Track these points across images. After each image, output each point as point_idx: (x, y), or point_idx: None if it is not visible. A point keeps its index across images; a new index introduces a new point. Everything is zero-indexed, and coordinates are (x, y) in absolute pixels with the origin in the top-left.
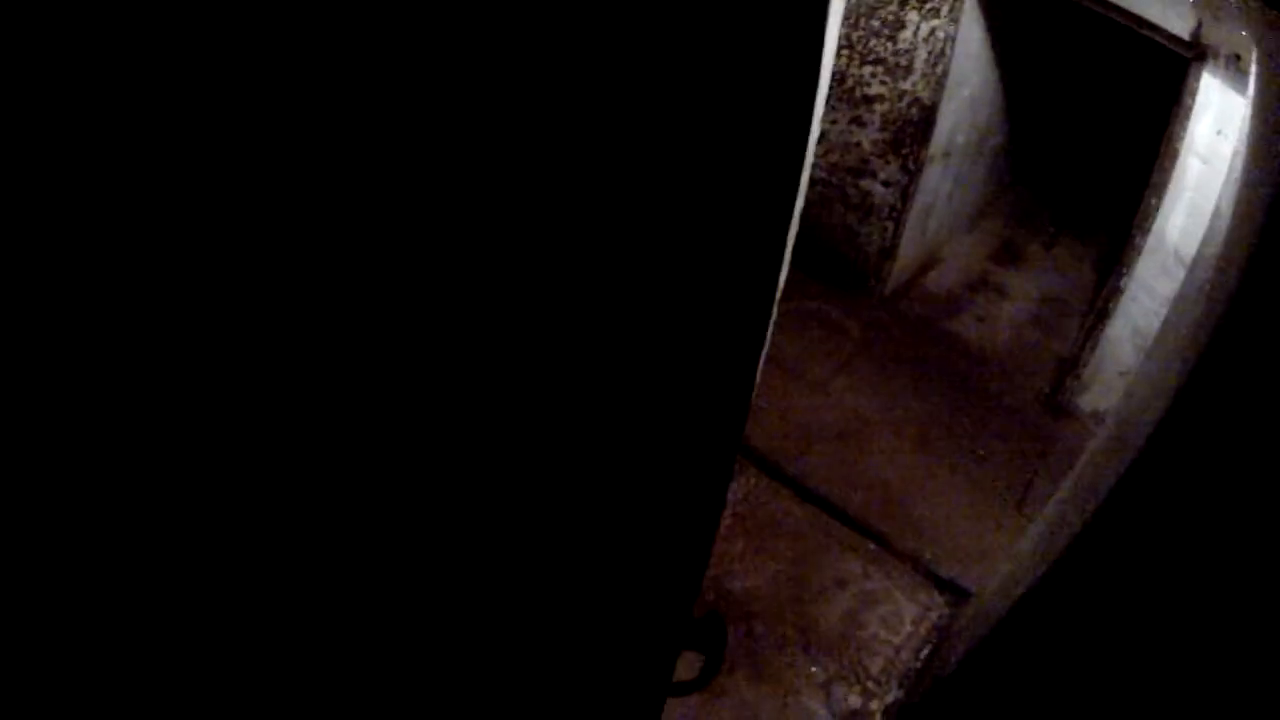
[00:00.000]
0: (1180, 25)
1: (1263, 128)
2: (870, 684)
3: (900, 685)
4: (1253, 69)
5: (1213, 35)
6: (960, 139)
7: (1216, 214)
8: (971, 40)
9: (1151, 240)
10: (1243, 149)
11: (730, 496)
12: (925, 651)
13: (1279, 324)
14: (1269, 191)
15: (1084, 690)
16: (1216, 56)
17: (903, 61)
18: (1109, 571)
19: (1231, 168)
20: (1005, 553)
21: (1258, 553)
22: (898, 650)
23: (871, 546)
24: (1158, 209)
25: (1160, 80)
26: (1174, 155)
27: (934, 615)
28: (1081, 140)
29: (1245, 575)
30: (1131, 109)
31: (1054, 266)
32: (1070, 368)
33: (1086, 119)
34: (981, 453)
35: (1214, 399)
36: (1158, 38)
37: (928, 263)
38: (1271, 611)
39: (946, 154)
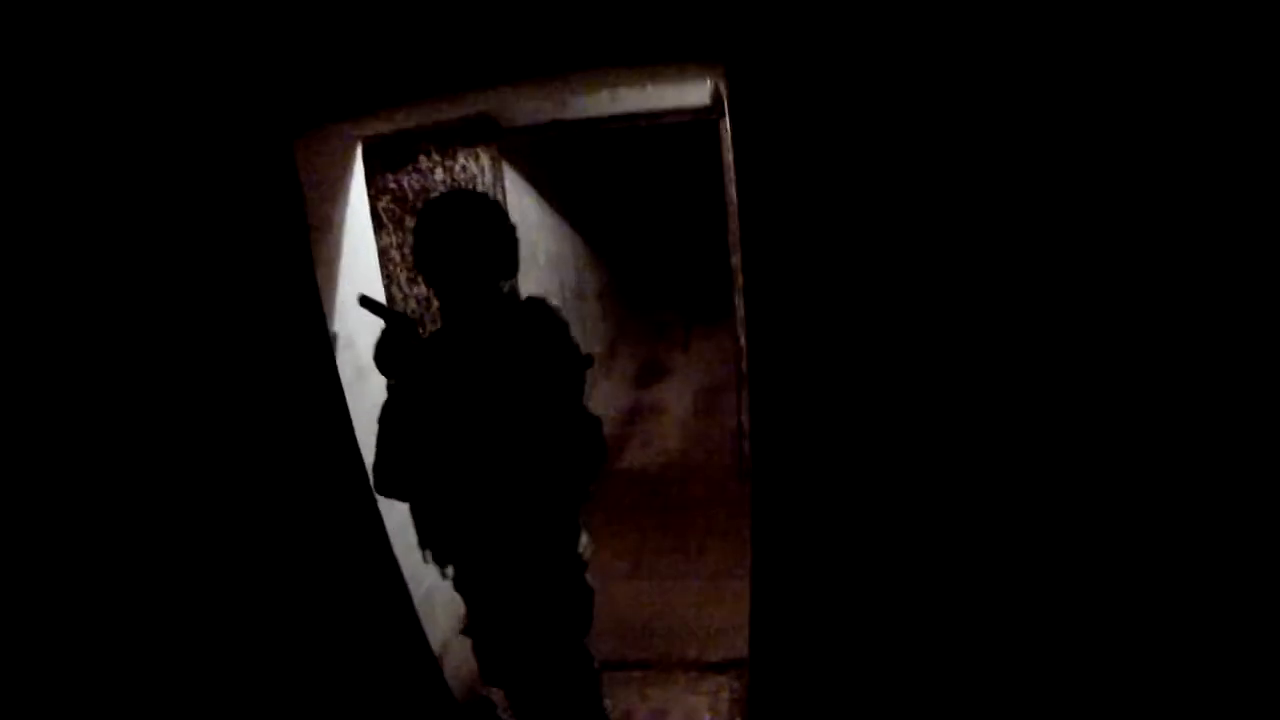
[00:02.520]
0: (699, 96)
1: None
2: None
3: None
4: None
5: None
6: (555, 300)
7: None
8: (528, 212)
9: None
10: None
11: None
12: None
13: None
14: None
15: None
16: None
17: None
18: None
19: None
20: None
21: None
22: None
23: (637, 674)
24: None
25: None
26: (731, 204)
27: (725, 694)
28: (679, 240)
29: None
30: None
31: (697, 363)
32: (742, 434)
33: (669, 220)
34: (694, 545)
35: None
36: (683, 118)
37: None
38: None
39: None
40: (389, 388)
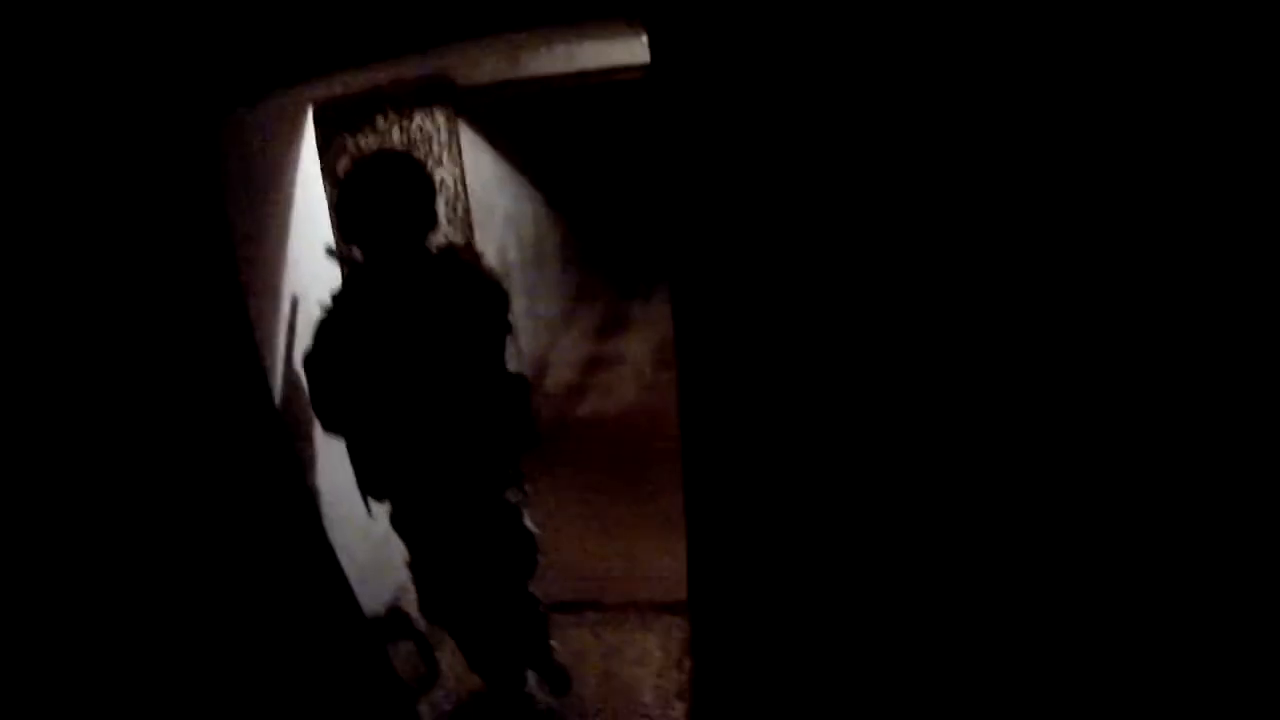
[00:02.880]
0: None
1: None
2: (653, 712)
3: (680, 698)
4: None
5: None
6: (513, 255)
7: None
8: (484, 169)
9: None
10: None
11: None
12: (686, 664)
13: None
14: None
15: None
16: None
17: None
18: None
19: None
20: None
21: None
22: (660, 674)
23: (591, 615)
24: None
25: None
26: None
27: (676, 634)
28: (637, 199)
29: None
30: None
31: (657, 317)
32: None
33: (630, 180)
34: (650, 490)
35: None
36: (634, 76)
37: (538, 374)
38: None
39: (505, 275)
40: (314, 331)
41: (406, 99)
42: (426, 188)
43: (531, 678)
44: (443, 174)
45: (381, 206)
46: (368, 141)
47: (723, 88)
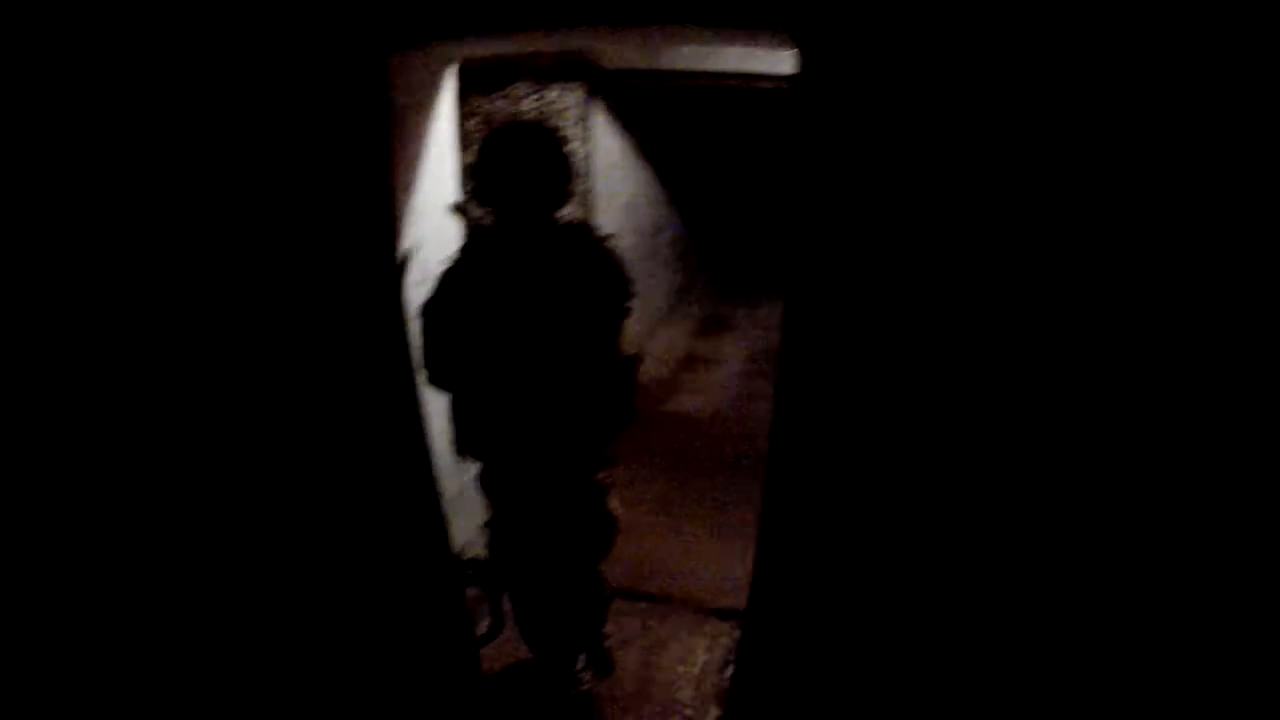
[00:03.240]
0: (789, 65)
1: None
2: (688, 711)
3: (718, 704)
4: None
5: None
6: (627, 242)
7: None
8: (611, 153)
9: None
10: None
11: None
12: (729, 670)
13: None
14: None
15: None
16: None
17: None
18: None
19: None
20: None
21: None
22: (701, 677)
23: (643, 605)
24: None
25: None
26: None
27: (724, 640)
28: (756, 205)
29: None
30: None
31: (759, 325)
32: None
33: (752, 184)
34: (722, 498)
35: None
36: (770, 85)
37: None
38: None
39: None
40: (435, 286)
41: (544, 72)
42: (567, 165)
43: (580, 656)
44: (570, 151)
45: (524, 175)
46: (502, 107)
47: (870, 103)
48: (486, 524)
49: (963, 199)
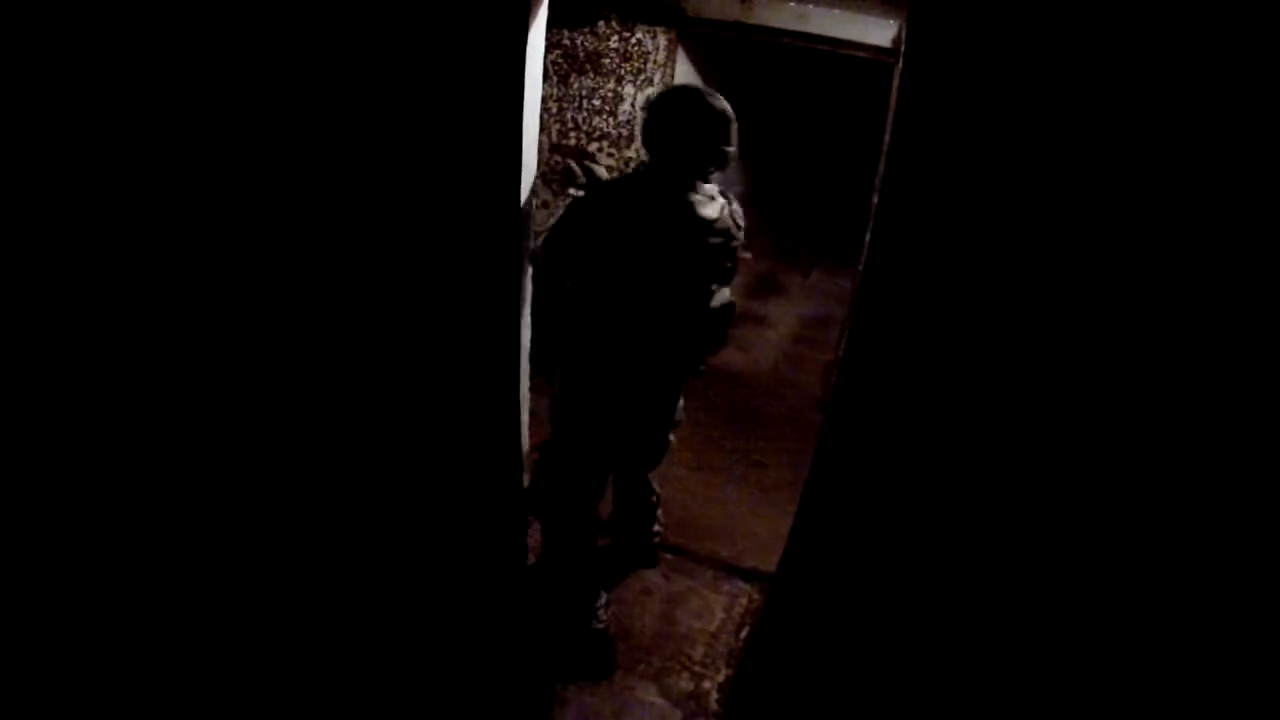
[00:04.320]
0: (882, 35)
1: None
2: (697, 668)
3: (729, 664)
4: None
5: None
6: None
7: None
8: None
9: None
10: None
11: (532, 540)
12: (744, 632)
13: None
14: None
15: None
16: None
17: (624, 133)
18: (824, 526)
19: None
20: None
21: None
22: (715, 636)
23: (669, 557)
24: None
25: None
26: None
27: (743, 601)
28: (822, 171)
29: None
30: (851, 128)
31: (812, 292)
32: (835, 368)
33: (821, 150)
34: (758, 458)
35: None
36: (860, 53)
37: None
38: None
39: None
40: (568, 210)
41: (632, 12)
42: (725, 131)
43: (601, 594)
44: (650, 94)
45: (695, 132)
46: (584, 41)
47: (978, 77)
48: (539, 448)
49: (1068, 175)
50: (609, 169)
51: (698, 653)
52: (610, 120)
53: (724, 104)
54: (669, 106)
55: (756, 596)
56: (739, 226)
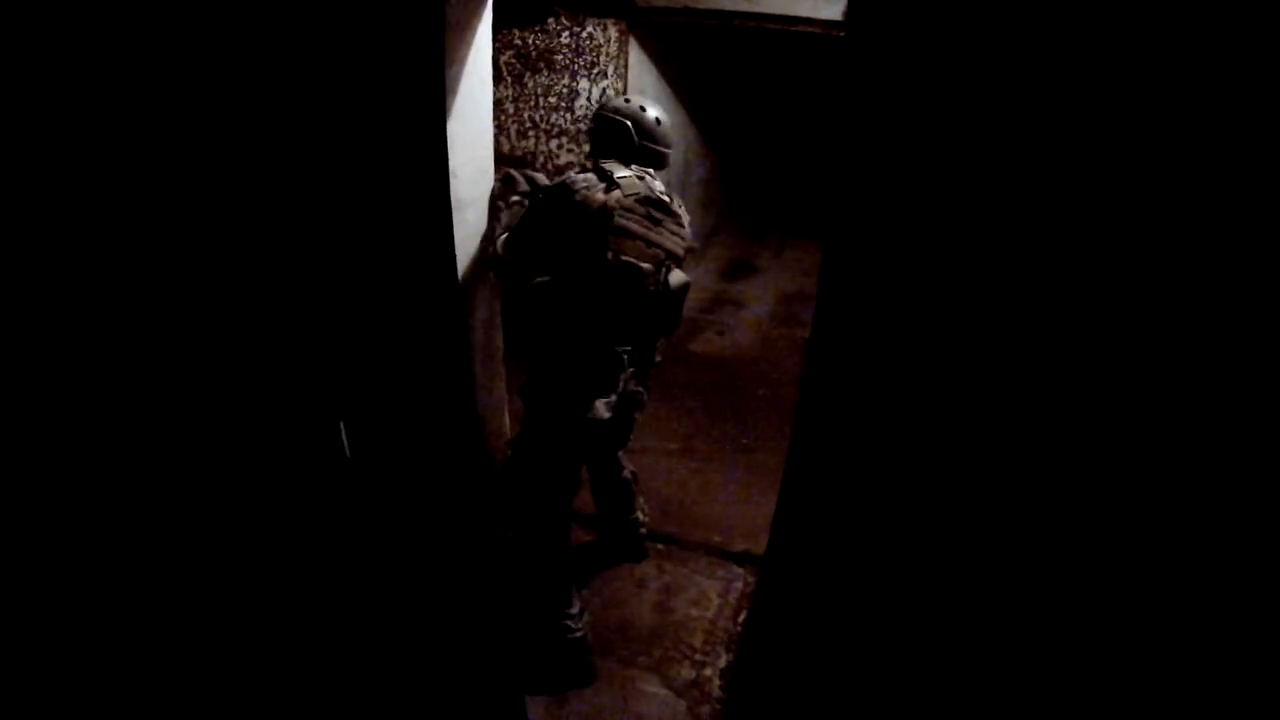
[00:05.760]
0: (832, 9)
1: None
2: (698, 656)
3: (728, 649)
4: None
5: None
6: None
7: None
8: (644, 91)
9: None
10: None
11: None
12: (741, 616)
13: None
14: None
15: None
16: None
17: (582, 128)
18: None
19: None
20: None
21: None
22: (713, 622)
23: (660, 547)
24: None
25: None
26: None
27: (738, 585)
28: (788, 148)
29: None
30: (813, 103)
31: (787, 270)
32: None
33: (785, 128)
34: (745, 442)
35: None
36: (813, 29)
37: None
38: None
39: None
40: (528, 211)
41: (581, 5)
42: (645, 132)
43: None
44: (605, 86)
45: (630, 137)
46: (535, 40)
47: (926, 50)
48: (510, 442)
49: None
50: (569, 164)
51: (697, 640)
52: (567, 116)
53: (636, 109)
54: (625, 114)
55: (751, 580)
56: (685, 224)
